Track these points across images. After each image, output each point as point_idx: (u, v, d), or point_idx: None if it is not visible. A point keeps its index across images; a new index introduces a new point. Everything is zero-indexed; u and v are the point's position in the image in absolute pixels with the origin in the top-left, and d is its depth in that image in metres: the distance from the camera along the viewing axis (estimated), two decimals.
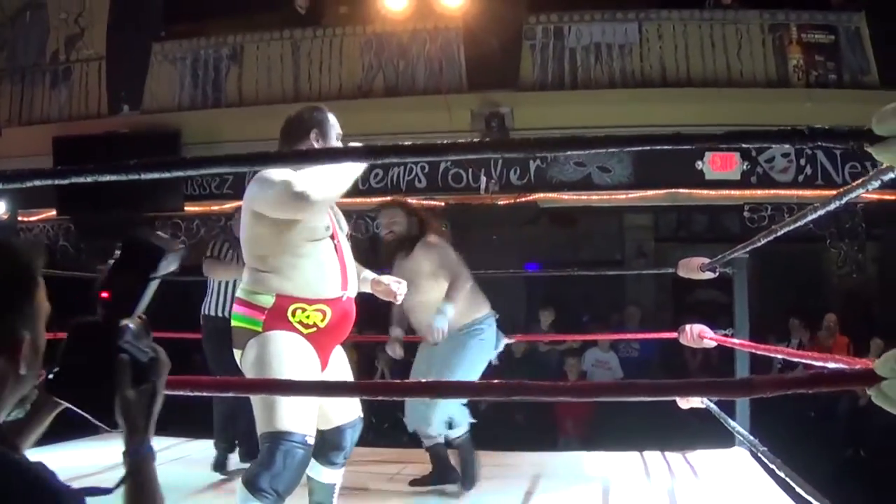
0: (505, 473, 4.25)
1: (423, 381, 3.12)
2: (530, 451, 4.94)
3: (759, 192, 8.02)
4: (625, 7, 8.46)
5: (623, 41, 8.38)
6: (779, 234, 2.65)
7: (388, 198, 4.32)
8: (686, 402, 3.99)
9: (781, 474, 2.78)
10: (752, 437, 3.27)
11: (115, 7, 8.91)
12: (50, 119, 9.04)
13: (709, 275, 3.90)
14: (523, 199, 8.07)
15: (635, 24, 8.39)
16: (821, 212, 2.14)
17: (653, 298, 8.43)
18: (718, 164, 8.12)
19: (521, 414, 7.11)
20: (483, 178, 8.06)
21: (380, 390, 2.50)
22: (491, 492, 3.90)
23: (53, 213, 8.88)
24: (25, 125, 9.09)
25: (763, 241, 2.88)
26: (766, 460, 3.04)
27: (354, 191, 2.66)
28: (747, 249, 3.27)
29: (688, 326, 4.12)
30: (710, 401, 3.82)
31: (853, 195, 1.70)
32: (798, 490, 2.50)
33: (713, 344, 4.11)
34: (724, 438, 4.22)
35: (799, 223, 2.42)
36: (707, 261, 3.89)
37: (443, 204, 8.29)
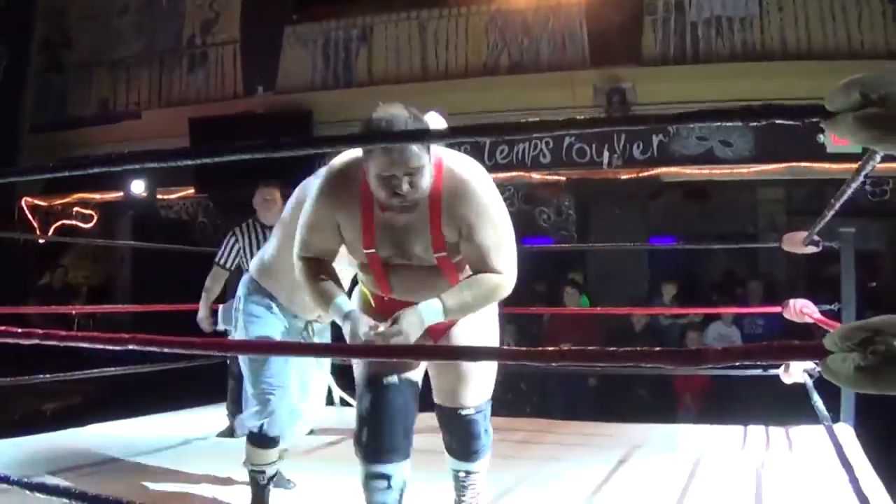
0: (603, 444, 4.28)
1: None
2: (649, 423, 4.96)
3: (879, 166, 7.84)
4: None
5: (744, 14, 8.32)
6: (834, 209, 2.81)
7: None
8: (788, 377, 3.91)
9: (847, 450, 2.74)
10: (826, 413, 3.14)
11: None
12: (187, 101, 9.47)
13: (812, 249, 3.87)
14: (646, 174, 8.16)
15: None
16: (850, 191, 2.28)
17: (784, 272, 8.40)
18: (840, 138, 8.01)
19: (643, 388, 7.17)
20: (606, 153, 8.17)
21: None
22: (583, 458, 3.94)
23: (191, 191, 9.36)
24: (164, 107, 9.58)
25: (829, 216, 2.98)
26: (832, 435, 2.90)
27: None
28: (823, 223, 3.29)
29: (791, 301, 4.07)
30: (811, 376, 3.72)
31: (867, 169, 1.75)
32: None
33: (810, 320, 3.98)
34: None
35: (838, 203, 2.61)
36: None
37: (564, 179, 8.46)
